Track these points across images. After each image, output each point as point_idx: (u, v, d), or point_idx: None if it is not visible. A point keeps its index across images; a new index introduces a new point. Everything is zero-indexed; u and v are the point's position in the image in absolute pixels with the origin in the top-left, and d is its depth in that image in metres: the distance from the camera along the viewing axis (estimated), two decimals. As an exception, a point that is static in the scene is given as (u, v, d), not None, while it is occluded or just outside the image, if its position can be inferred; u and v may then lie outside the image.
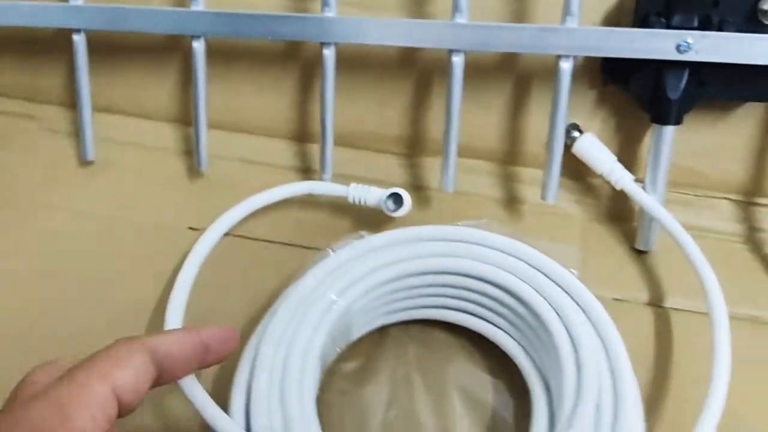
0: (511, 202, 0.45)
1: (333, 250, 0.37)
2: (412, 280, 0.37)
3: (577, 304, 0.34)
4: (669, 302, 0.40)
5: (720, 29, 0.38)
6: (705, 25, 0.38)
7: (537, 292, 0.34)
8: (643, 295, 0.41)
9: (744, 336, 0.38)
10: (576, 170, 0.44)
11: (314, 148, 0.48)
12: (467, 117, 0.44)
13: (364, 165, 0.47)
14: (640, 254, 0.43)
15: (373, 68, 0.46)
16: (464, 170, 0.46)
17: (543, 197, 0.42)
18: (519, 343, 0.36)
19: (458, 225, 0.38)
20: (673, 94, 0.39)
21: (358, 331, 0.37)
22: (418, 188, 0.47)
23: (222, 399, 0.32)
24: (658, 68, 0.39)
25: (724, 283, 0.38)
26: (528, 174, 0.46)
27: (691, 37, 0.37)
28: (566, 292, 0.35)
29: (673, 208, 0.42)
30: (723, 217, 0.44)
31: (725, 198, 0.44)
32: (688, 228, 0.42)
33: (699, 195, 0.44)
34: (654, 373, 0.37)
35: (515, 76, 0.44)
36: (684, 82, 0.39)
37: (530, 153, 0.45)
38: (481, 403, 0.36)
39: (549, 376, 0.34)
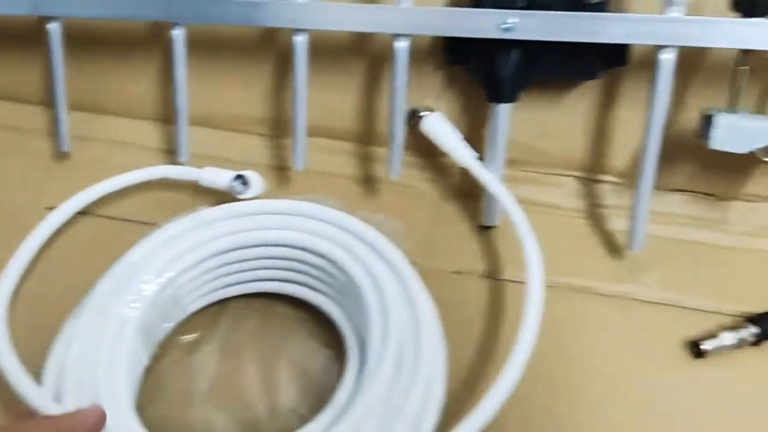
0: (367, 180, 0.46)
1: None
2: (243, 253, 0.38)
3: (392, 269, 0.35)
4: (505, 275, 0.41)
5: (546, 8, 0.39)
6: (532, 5, 0.39)
7: (354, 259, 0.36)
8: (481, 268, 0.42)
9: (576, 306, 0.40)
10: (428, 149, 0.45)
11: (180, 130, 0.49)
12: (325, 97, 0.45)
13: (228, 146, 0.48)
14: (485, 230, 0.44)
15: (233, 50, 0.46)
16: (323, 150, 0.47)
17: (388, 174, 0.43)
18: (340, 308, 0.37)
19: (289, 199, 0.39)
20: (504, 73, 0.40)
21: (193, 304, 0.38)
22: (280, 168, 0.47)
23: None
24: (491, 48, 0.40)
25: (562, 256, 0.40)
26: (384, 153, 0.47)
27: (515, 16, 0.38)
28: (384, 259, 0.36)
29: (520, 186, 0.44)
30: (567, 193, 0.45)
31: (569, 175, 0.45)
32: (534, 204, 0.43)
33: (545, 173, 0.46)
34: (482, 339, 0.38)
35: (368, 58, 0.45)
36: (515, 61, 0.40)
37: (385, 133, 0.46)
38: (309, 373, 0.37)
39: (366, 339, 0.35)
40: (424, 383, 0.32)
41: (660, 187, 0.43)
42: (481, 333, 0.39)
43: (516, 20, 0.38)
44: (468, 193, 0.45)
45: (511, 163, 0.44)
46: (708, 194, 0.45)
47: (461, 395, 0.35)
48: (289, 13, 0.41)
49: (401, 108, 0.41)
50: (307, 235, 0.37)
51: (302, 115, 0.43)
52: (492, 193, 0.41)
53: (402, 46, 0.40)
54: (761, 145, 0.38)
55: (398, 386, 0.31)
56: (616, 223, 0.44)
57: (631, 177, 0.44)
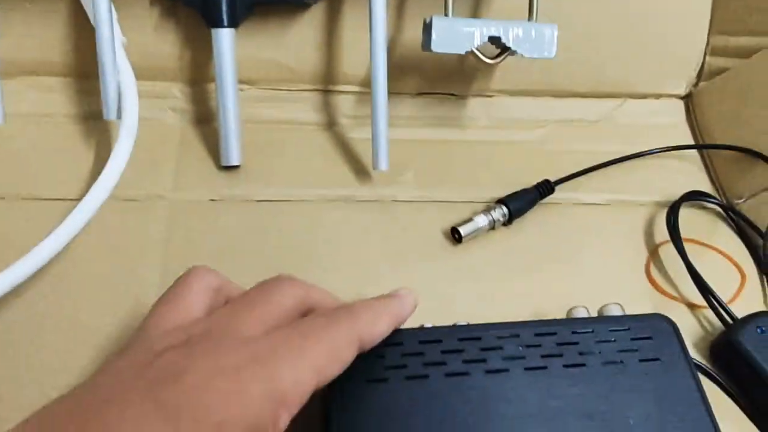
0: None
1: None
2: None
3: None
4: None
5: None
6: None
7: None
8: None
9: (338, 214, 0.40)
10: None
11: None
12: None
13: None
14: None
15: None
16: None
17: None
18: None
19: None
20: (221, -4, 0.38)
21: None
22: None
23: None
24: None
25: (318, 170, 0.42)
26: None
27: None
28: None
29: (270, 105, 0.44)
30: (311, 108, 0.45)
31: (310, 89, 0.45)
32: (283, 123, 0.44)
33: (291, 89, 0.45)
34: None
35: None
36: (229, -16, 0.38)
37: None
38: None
39: None
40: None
41: (400, 91, 0.44)
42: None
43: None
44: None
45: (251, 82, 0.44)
46: (449, 94, 0.46)
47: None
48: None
49: (110, 46, 0.38)
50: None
51: None
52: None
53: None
54: (477, 44, 0.39)
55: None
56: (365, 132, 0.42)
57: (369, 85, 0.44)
